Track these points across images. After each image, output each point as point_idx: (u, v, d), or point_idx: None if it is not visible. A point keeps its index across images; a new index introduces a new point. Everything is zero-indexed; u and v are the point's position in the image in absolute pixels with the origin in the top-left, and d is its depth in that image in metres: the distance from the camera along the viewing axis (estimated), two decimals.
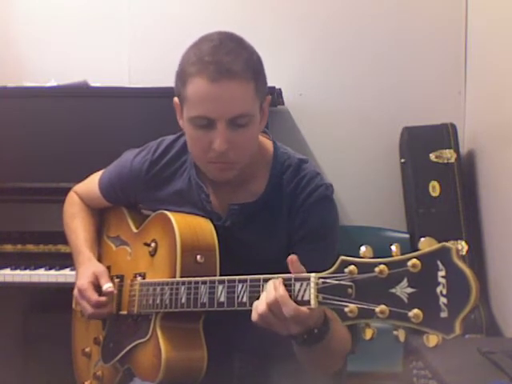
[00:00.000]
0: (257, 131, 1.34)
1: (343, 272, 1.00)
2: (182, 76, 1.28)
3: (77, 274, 1.55)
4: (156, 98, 2.31)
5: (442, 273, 0.91)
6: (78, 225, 1.64)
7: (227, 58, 1.23)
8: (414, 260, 0.93)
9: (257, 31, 2.57)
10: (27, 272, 2.12)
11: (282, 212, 1.38)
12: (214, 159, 1.30)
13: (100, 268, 1.49)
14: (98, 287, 1.45)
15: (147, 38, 2.71)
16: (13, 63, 2.70)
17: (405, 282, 0.94)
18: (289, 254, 1.35)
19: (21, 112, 2.35)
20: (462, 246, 2.34)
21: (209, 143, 1.27)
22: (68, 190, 1.73)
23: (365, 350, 1.55)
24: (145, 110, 2.33)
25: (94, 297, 1.42)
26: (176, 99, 1.34)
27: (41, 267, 2.14)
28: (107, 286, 1.43)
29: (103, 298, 1.43)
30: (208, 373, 1.30)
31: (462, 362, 1.50)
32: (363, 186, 2.67)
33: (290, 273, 1.11)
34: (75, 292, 1.48)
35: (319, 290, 1.04)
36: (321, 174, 1.41)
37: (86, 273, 1.48)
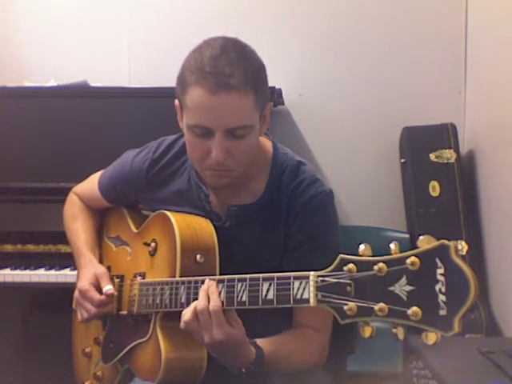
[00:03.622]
0: (256, 139, 1.33)
1: (342, 270, 1.01)
2: (182, 83, 1.27)
3: (78, 276, 1.56)
4: (156, 97, 2.31)
5: (440, 270, 0.92)
6: (78, 226, 1.64)
7: (227, 69, 1.21)
8: (413, 258, 0.94)
9: (257, 31, 2.58)
10: (27, 272, 2.11)
11: (280, 213, 1.38)
12: (211, 166, 1.30)
13: (101, 270, 1.49)
14: (98, 288, 1.46)
15: (147, 38, 2.70)
16: (13, 63, 2.70)
17: (404, 280, 0.94)
18: (288, 256, 1.37)
19: (21, 112, 2.35)
20: (462, 246, 2.34)
21: (207, 151, 1.27)
22: (68, 190, 1.73)
23: (365, 350, 1.55)
24: (145, 109, 2.33)
25: (97, 296, 1.43)
26: (177, 101, 1.34)
27: (41, 267, 2.14)
28: (107, 287, 1.43)
29: (105, 298, 1.43)
30: (208, 373, 1.30)
31: (462, 362, 1.50)
32: (363, 186, 2.67)
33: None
34: (76, 293, 1.49)
35: (318, 289, 1.05)
36: (320, 179, 1.41)
37: (86, 274, 1.49)
